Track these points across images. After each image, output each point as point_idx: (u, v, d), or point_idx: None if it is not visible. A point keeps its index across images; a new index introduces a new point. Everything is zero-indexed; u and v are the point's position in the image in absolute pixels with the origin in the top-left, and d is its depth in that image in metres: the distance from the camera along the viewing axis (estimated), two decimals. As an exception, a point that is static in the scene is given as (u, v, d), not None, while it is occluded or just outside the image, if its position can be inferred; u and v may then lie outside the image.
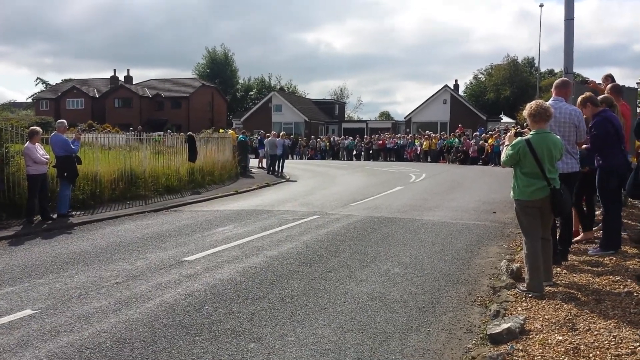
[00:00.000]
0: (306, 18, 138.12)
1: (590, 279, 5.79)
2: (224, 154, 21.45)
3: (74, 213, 11.74)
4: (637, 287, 5.33)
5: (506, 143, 5.94)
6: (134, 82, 66.08)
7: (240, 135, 25.80)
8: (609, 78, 8.77)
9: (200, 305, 5.57)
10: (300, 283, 6.33)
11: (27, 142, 10.99)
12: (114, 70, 65.29)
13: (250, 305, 5.55)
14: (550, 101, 6.43)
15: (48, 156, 11.23)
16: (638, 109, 12.59)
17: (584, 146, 6.79)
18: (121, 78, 65.03)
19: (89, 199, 12.84)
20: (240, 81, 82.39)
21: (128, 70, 66.60)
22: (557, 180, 5.50)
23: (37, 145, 11.03)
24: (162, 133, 27.55)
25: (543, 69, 67.30)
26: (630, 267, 6.16)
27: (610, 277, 5.76)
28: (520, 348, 4.11)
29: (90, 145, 15.36)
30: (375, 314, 5.27)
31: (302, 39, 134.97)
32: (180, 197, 15.31)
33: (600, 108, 6.85)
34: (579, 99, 7.02)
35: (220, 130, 28.64)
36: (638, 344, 3.95)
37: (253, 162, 27.23)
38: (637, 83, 20.07)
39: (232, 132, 27.25)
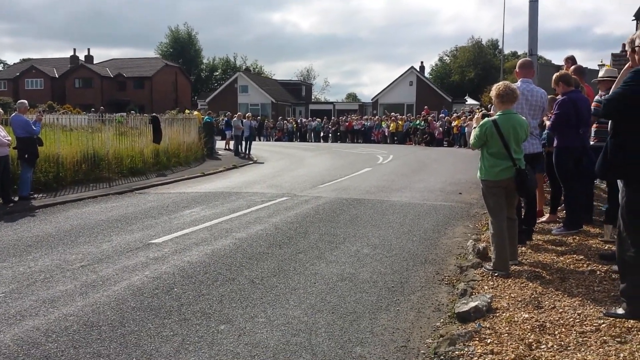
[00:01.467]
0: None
1: (555, 257, 5.94)
2: (190, 135, 21.15)
3: (35, 196, 11.44)
4: (600, 266, 5.49)
5: (474, 125, 6.01)
6: (95, 62, 64.26)
7: (206, 117, 25.47)
8: (570, 60, 8.88)
9: (168, 287, 5.51)
10: (270, 265, 6.32)
11: (-15, 123, 10.62)
12: (74, 50, 63.28)
13: (220, 288, 5.52)
14: (519, 83, 6.49)
15: (9, 137, 10.87)
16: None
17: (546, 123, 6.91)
18: (82, 58, 63.08)
19: (51, 182, 12.54)
20: (205, 61, 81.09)
21: (89, 50, 64.64)
22: (523, 160, 5.60)
23: (-3, 126, 10.67)
24: (124, 114, 26.98)
25: (507, 51, 68.45)
26: (593, 246, 6.34)
27: (574, 256, 5.93)
28: (488, 326, 4.19)
29: (51, 126, 14.94)
30: (345, 294, 5.30)
31: (268, 18, 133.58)
32: (145, 179, 15.06)
33: (570, 88, 6.92)
34: (554, 76, 7.09)
35: (186, 112, 28.23)
36: (602, 321, 4.08)
37: (220, 144, 26.96)
38: (599, 65, 20.53)
39: (197, 113, 26.90)
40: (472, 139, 5.78)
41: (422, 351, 4.08)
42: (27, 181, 11.20)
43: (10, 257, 6.77)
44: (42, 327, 4.52)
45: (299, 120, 44.48)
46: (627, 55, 4.95)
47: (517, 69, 6.76)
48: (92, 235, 7.92)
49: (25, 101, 12.07)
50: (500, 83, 5.72)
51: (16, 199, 10.88)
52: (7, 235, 8.08)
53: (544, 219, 7.81)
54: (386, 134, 36.37)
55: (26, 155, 11.09)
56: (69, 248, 7.18)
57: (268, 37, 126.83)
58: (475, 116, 6.16)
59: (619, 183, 5.77)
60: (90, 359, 3.95)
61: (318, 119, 42.89)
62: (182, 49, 75.07)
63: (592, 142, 7.13)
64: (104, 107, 41.93)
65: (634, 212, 4.12)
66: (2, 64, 78.13)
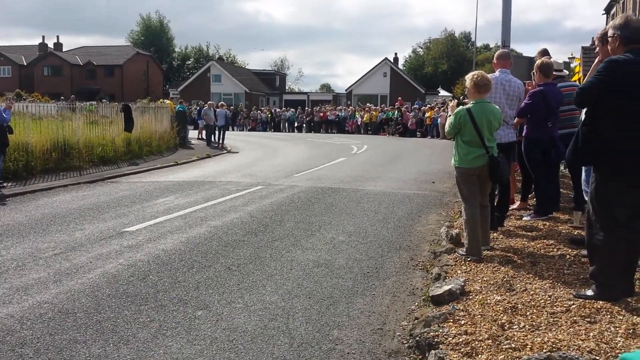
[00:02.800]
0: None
1: (526, 243, 6.08)
2: (162, 124, 20.93)
3: (5, 184, 11.20)
4: (569, 250, 5.64)
5: (449, 113, 6.09)
6: (64, 50, 62.89)
7: (179, 105, 25.19)
8: (541, 53, 9.00)
9: (144, 275, 5.49)
10: (246, 252, 6.33)
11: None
12: (43, 37, 62.03)
13: (196, 275, 5.51)
14: (497, 73, 6.59)
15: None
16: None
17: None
18: (50, 45, 61.69)
19: (21, 170, 12.31)
20: (177, 50, 79.94)
21: (57, 37, 63.22)
22: (495, 149, 5.70)
23: (-37, 113, 10.40)
24: (95, 102, 26.52)
25: (479, 44, 69.06)
26: (563, 231, 6.50)
27: (545, 241, 6.07)
28: (461, 308, 4.28)
29: (20, 115, 14.62)
30: (322, 280, 5.35)
31: (241, 7, 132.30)
32: (117, 168, 14.88)
33: (546, 80, 7.01)
34: (537, 63, 7.17)
35: (159, 101, 27.87)
36: (572, 302, 4.19)
37: (193, 133, 26.72)
38: (569, 58, 20.87)
39: (169, 102, 26.59)
40: (446, 127, 5.86)
41: (397, 333, 4.16)
42: (-4, 170, 10.97)
43: (-20, 245, 6.64)
44: (17, 314, 4.47)
45: (273, 110, 44.32)
46: (597, 50, 5.09)
47: (494, 60, 6.87)
48: (64, 224, 7.80)
49: (-6, 88, 11.79)
50: (476, 72, 5.79)
51: (-16, 188, 10.65)
52: (-25, 224, 7.91)
53: (514, 206, 7.97)
54: (360, 124, 36.50)
55: (-5, 144, 10.85)
56: (40, 236, 7.07)
57: (241, 26, 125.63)
58: (450, 104, 6.23)
59: (583, 170, 5.94)
60: (67, 345, 3.92)
61: (292, 109, 42.82)
62: (153, 37, 73.84)
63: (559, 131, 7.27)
64: (75, 95, 41.10)
65: (602, 197, 4.24)
66: (-34, 51, 75.76)
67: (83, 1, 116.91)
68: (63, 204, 9.46)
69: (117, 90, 56.83)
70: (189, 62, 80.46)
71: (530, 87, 7.23)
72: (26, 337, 4.05)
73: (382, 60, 55.02)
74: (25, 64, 59.33)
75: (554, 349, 3.40)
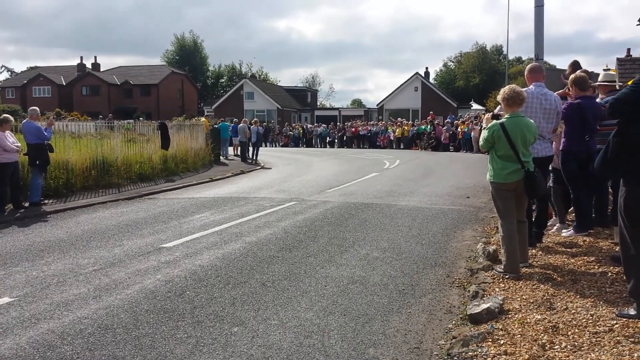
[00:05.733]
0: (277, 4, 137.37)
1: (566, 260, 5.94)
2: (197, 141, 21.25)
3: (46, 201, 11.53)
4: (611, 267, 5.49)
5: (484, 126, 6.03)
6: (101, 69, 64.69)
7: (221, 123, 25.63)
8: (572, 65, 8.82)
9: (181, 291, 5.55)
10: (281, 268, 6.35)
11: (-3, 129, 10.71)
12: (81, 58, 63.70)
13: (231, 291, 5.55)
14: (531, 87, 6.48)
15: (19, 144, 10.97)
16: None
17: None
18: (88, 65, 63.54)
19: (61, 188, 12.65)
20: (211, 68, 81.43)
21: (95, 58, 65.10)
22: (531, 163, 5.61)
23: (7, 133, 10.76)
24: (132, 121, 27.12)
25: (511, 57, 68.50)
26: (604, 247, 6.34)
27: (585, 257, 5.93)
28: (500, 327, 4.20)
29: (60, 133, 15.06)
30: (357, 297, 5.32)
31: (273, 26, 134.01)
32: (154, 185, 15.14)
33: (583, 93, 6.88)
34: (571, 77, 7.05)
35: (195, 119, 28.37)
36: (615, 321, 4.08)
37: (228, 150, 27.02)
38: (604, 69, 20.47)
39: (204, 119, 27.01)
40: (480, 141, 5.82)
41: (435, 352, 4.09)
42: (38, 187, 11.29)
43: (23, 261, 6.84)
44: (57, 330, 4.57)
45: (304, 126, 44.57)
46: None
47: (527, 74, 6.76)
48: (103, 240, 7.98)
49: (37, 108, 12.18)
50: (507, 87, 5.75)
51: (27, 204, 10.98)
52: (19, 240, 8.15)
53: (552, 221, 7.79)
54: (392, 139, 36.39)
55: (37, 162, 11.18)
56: (81, 252, 7.24)
57: (273, 44, 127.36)
58: (486, 116, 6.17)
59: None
60: (106, 360, 3.99)
61: (324, 125, 42.99)
62: (188, 56, 75.44)
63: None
64: (112, 114, 42.14)
65: (631, 210, 4.13)
66: (9, 72, 78.69)
67: (119, 22, 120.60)
68: (102, 221, 9.67)
69: (153, 109, 58.06)
70: (223, 80, 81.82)
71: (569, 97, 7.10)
72: (66, 352, 4.13)
73: (413, 75, 54.90)
74: (64, 83, 61.17)
75: (598, 370, 3.31)
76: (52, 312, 4.99)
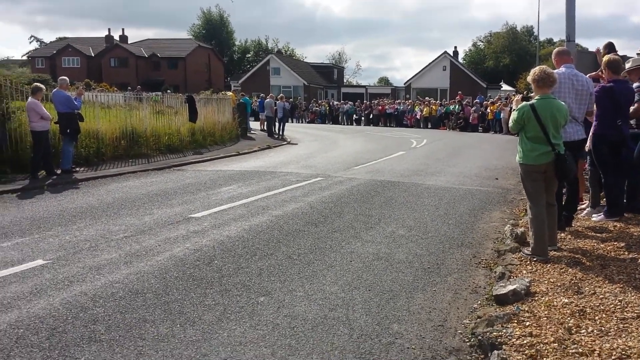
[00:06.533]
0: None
1: (595, 244, 5.87)
2: (224, 115, 21.38)
3: (77, 169, 11.76)
4: (641, 253, 5.41)
5: (513, 107, 5.95)
6: (129, 42, 65.07)
7: (243, 98, 25.67)
8: (607, 47, 8.58)
9: (209, 259, 5.65)
10: (307, 242, 6.41)
11: (30, 97, 10.91)
12: (109, 30, 64.42)
13: (258, 262, 5.63)
14: (562, 68, 6.34)
15: (48, 113, 11.17)
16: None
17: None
18: (116, 37, 63.97)
19: (92, 156, 12.91)
20: (237, 43, 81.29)
21: (123, 30, 65.65)
22: (562, 145, 5.51)
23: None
24: (160, 93, 27.33)
25: (542, 38, 66.87)
26: (635, 233, 6.23)
27: (615, 243, 5.84)
28: (526, 309, 4.19)
29: (89, 104, 15.29)
30: (382, 273, 5.35)
31: (299, 1, 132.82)
32: (183, 157, 15.32)
33: (616, 77, 6.71)
34: (605, 59, 6.88)
35: (222, 93, 28.46)
36: (644, 307, 4.04)
37: (254, 125, 27.16)
38: (638, 54, 19.83)
39: (231, 94, 27.10)
40: (510, 122, 5.74)
41: (459, 331, 4.11)
42: (69, 155, 11.52)
43: (56, 226, 7.02)
44: (90, 292, 4.70)
45: (331, 103, 44.40)
46: None
47: (554, 57, 6.59)
48: (133, 208, 8.13)
49: (66, 78, 12.37)
50: (537, 68, 5.64)
51: (59, 172, 11.21)
52: (52, 205, 8.35)
53: (584, 205, 7.69)
54: (419, 118, 36.05)
55: (68, 130, 11.38)
56: (112, 219, 7.39)
57: (300, 20, 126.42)
58: (516, 98, 6.08)
59: None
60: (136, 323, 4.10)
61: (350, 102, 42.74)
62: (214, 30, 75.38)
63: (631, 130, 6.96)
64: (140, 86, 42.48)
65: None
66: (39, 42, 79.62)
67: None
68: (133, 189, 9.84)
69: (181, 82, 58.36)
70: (249, 55, 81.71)
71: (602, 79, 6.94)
72: (98, 314, 4.26)
73: (442, 54, 54.03)
74: (93, 55, 61.71)
75: (623, 356, 3.29)
76: (84, 275, 5.13)
